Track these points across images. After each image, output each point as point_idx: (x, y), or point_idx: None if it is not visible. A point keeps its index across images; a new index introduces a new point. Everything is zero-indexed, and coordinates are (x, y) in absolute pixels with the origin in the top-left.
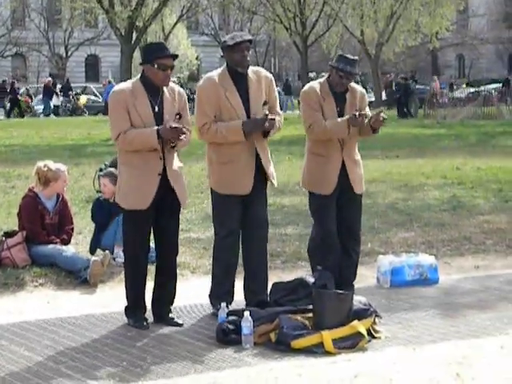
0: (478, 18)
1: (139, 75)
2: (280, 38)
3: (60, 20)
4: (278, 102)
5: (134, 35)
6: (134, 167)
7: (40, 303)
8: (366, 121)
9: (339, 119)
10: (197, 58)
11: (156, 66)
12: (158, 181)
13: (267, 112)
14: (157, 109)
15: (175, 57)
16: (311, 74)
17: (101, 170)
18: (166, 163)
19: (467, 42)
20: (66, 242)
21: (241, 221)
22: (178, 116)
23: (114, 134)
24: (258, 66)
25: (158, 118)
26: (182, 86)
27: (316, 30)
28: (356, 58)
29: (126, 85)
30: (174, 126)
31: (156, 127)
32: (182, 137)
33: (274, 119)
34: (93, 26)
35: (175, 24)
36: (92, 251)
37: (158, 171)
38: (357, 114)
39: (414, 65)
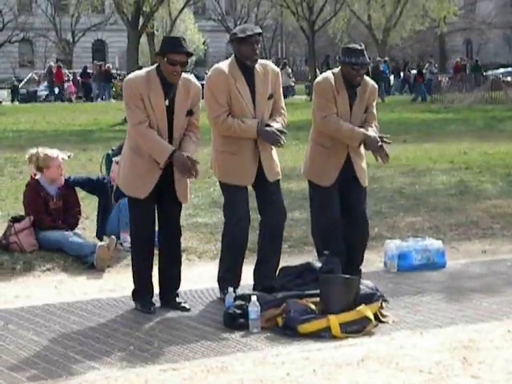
0: (486, 2)
1: (155, 65)
2: (287, 22)
3: (67, 5)
4: (282, 96)
5: (141, 20)
6: (139, 156)
7: (47, 288)
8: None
9: (357, 129)
10: (204, 43)
11: (166, 59)
12: (159, 174)
13: (269, 104)
14: (167, 102)
15: (189, 54)
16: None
17: (108, 155)
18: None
19: (475, 26)
20: (73, 226)
21: (258, 207)
22: (188, 113)
23: (135, 122)
24: (265, 51)
25: (169, 112)
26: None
27: (323, 14)
28: (362, 46)
29: (140, 74)
30: (191, 159)
31: (172, 149)
32: (192, 149)
33: (284, 132)
34: (100, 11)
35: (182, 9)
36: (99, 237)
37: (161, 165)
38: (379, 143)
39: (421, 50)
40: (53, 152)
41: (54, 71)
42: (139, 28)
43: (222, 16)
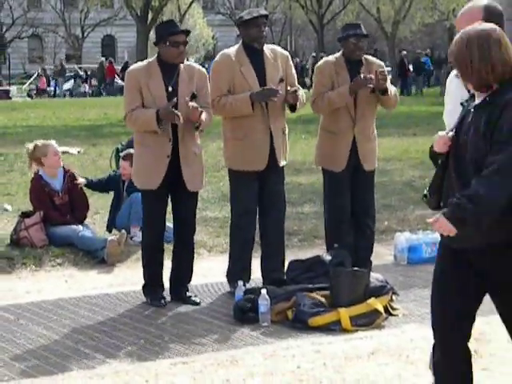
0: None
1: (156, 55)
2: (296, 16)
3: (76, 1)
4: (295, 78)
5: (150, 15)
6: (145, 146)
7: (58, 283)
8: (371, 85)
9: (341, 87)
10: (213, 38)
11: (168, 43)
12: (166, 163)
13: (280, 88)
14: (170, 89)
15: (187, 33)
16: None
17: (117, 150)
18: (179, 146)
19: None
20: (81, 220)
21: (258, 199)
22: (192, 97)
23: (125, 113)
24: (274, 44)
25: (172, 98)
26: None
27: (332, 8)
28: (358, 22)
29: (141, 64)
30: (170, 107)
31: (156, 110)
32: (200, 118)
33: (295, 90)
34: (109, 6)
35: (191, 3)
36: (109, 229)
37: (167, 153)
38: (361, 75)
39: (430, 42)
40: (49, 141)
41: (106, 66)
42: (148, 23)
43: (230, 10)
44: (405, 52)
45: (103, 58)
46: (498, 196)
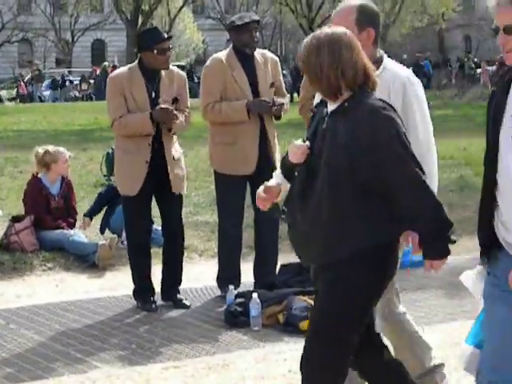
0: None
1: (136, 61)
2: (286, 20)
3: (66, 5)
4: (283, 84)
5: (140, 19)
6: (125, 152)
7: (49, 287)
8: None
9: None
10: (203, 42)
11: (156, 51)
12: (146, 168)
13: (275, 97)
14: (153, 94)
15: (170, 38)
16: None
17: (108, 154)
18: (162, 150)
19: (474, 22)
20: (73, 225)
21: (252, 203)
22: (174, 100)
23: (110, 120)
24: (265, 49)
25: (154, 104)
26: (191, 71)
27: (322, 11)
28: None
29: (123, 70)
30: (164, 106)
31: (148, 113)
32: (178, 121)
33: (282, 104)
34: (99, 10)
35: (181, 8)
36: (102, 231)
37: (146, 159)
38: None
39: (421, 46)
40: (60, 148)
41: (109, 70)
42: (138, 27)
43: (221, 14)
44: (405, 56)
45: (106, 63)
46: (435, 203)
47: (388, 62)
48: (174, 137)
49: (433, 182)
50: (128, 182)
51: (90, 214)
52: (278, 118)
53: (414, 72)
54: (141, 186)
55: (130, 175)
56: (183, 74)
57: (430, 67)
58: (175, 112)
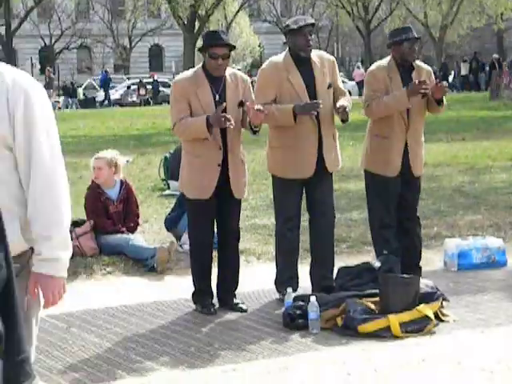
0: None
1: (201, 63)
2: (342, 23)
3: (123, 11)
4: (341, 83)
5: (197, 24)
6: (194, 156)
7: (109, 291)
8: (428, 91)
9: (397, 92)
10: (259, 45)
11: (207, 54)
12: (218, 171)
13: (320, 101)
14: (217, 97)
15: (231, 47)
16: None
17: (165, 158)
18: (228, 154)
19: None
20: (133, 230)
21: (308, 206)
22: (240, 104)
23: (171, 124)
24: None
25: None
26: (248, 74)
27: (379, 14)
28: (408, 25)
29: (187, 73)
30: (220, 112)
31: (205, 117)
32: (228, 124)
33: (345, 107)
34: (156, 16)
35: (237, 12)
36: (167, 227)
37: (218, 162)
38: (416, 81)
39: (479, 47)
40: (102, 153)
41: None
42: (195, 31)
43: (277, 17)
44: (496, 56)
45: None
46: None
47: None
48: (239, 141)
49: None
50: (199, 185)
51: (173, 225)
52: (345, 121)
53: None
54: (214, 188)
55: (201, 179)
56: (247, 78)
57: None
58: (228, 116)
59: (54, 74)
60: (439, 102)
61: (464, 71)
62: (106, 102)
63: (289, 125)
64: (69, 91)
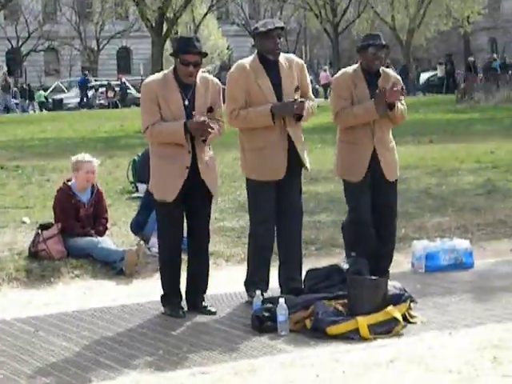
0: (510, 0)
1: (172, 67)
2: (310, 25)
3: (91, 13)
4: (310, 87)
5: (165, 26)
6: (162, 159)
7: (77, 294)
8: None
9: (366, 103)
10: (228, 48)
11: (179, 60)
12: (185, 174)
13: (297, 97)
14: (187, 102)
15: (202, 54)
16: None
17: (134, 161)
18: (197, 156)
19: (499, 25)
20: (101, 233)
21: (275, 208)
22: (209, 110)
23: (143, 127)
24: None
25: (189, 111)
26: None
27: (346, 16)
28: (379, 33)
29: (157, 76)
30: (201, 120)
31: (183, 121)
32: (212, 131)
33: (303, 101)
34: (123, 18)
35: (205, 14)
36: (133, 230)
37: (186, 164)
38: (382, 89)
39: (446, 50)
40: (86, 157)
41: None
42: (163, 34)
43: (245, 20)
44: (471, 59)
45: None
46: None
47: None
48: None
49: None
50: (167, 187)
51: (139, 229)
52: (299, 118)
53: (484, 74)
54: (179, 190)
55: (168, 181)
56: (218, 82)
57: (498, 68)
58: (211, 125)
59: (19, 76)
60: (391, 106)
61: (440, 73)
62: (84, 103)
63: (267, 125)
64: (26, 94)
